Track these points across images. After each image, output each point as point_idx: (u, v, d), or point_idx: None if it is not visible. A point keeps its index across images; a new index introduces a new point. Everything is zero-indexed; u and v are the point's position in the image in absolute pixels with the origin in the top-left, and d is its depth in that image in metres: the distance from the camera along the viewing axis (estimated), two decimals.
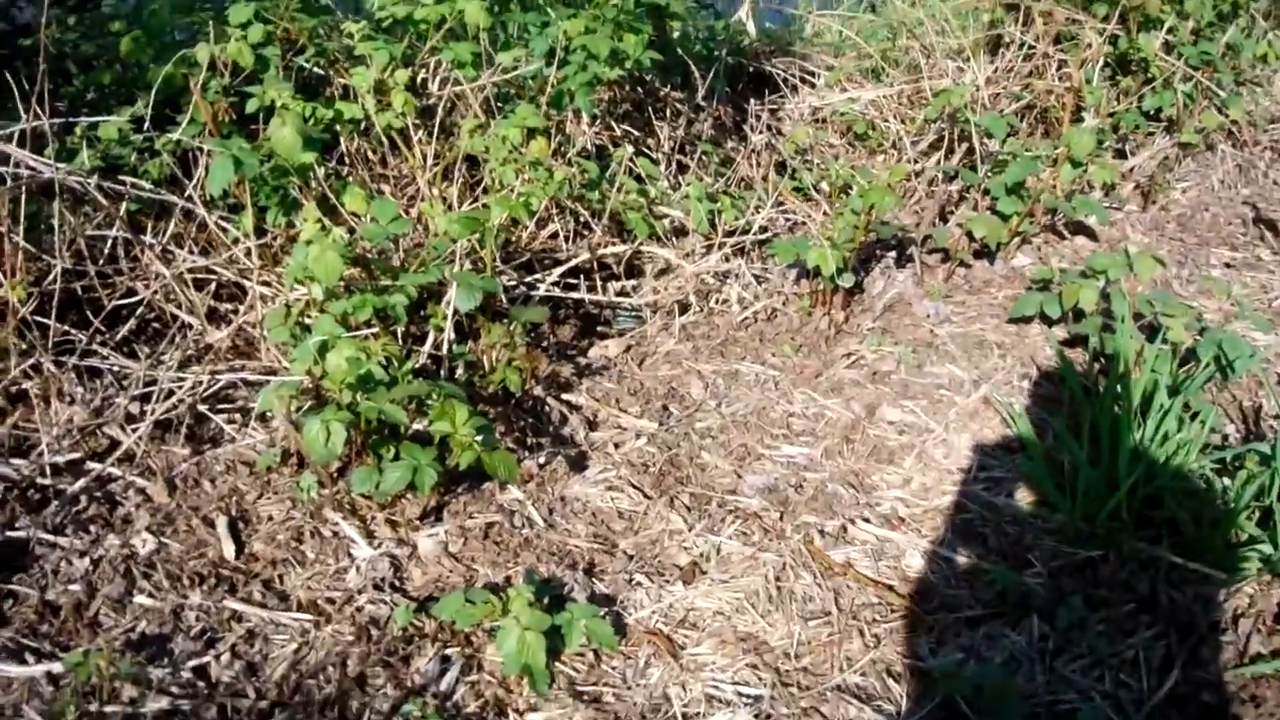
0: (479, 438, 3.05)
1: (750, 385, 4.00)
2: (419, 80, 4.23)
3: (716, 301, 4.39)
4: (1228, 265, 5.05)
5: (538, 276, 4.12)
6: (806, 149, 5.26)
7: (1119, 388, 3.46)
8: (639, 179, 4.41)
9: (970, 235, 4.62)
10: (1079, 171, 4.66)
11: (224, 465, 3.47)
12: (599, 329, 4.31)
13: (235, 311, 3.91)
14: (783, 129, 5.47)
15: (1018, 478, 3.54)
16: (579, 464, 3.56)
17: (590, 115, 4.28)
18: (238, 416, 3.65)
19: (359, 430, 3.16)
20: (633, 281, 4.40)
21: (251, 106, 3.78)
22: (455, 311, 3.58)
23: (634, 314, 4.33)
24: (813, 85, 5.79)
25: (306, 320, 3.44)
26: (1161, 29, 5.52)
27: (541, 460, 3.54)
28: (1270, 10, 6.59)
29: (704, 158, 4.77)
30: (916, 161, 5.31)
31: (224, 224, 3.92)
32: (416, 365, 3.61)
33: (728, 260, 4.42)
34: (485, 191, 4.02)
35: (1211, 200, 5.66)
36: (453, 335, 3.68)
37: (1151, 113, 5.61)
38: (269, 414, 3.58)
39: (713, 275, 4.36)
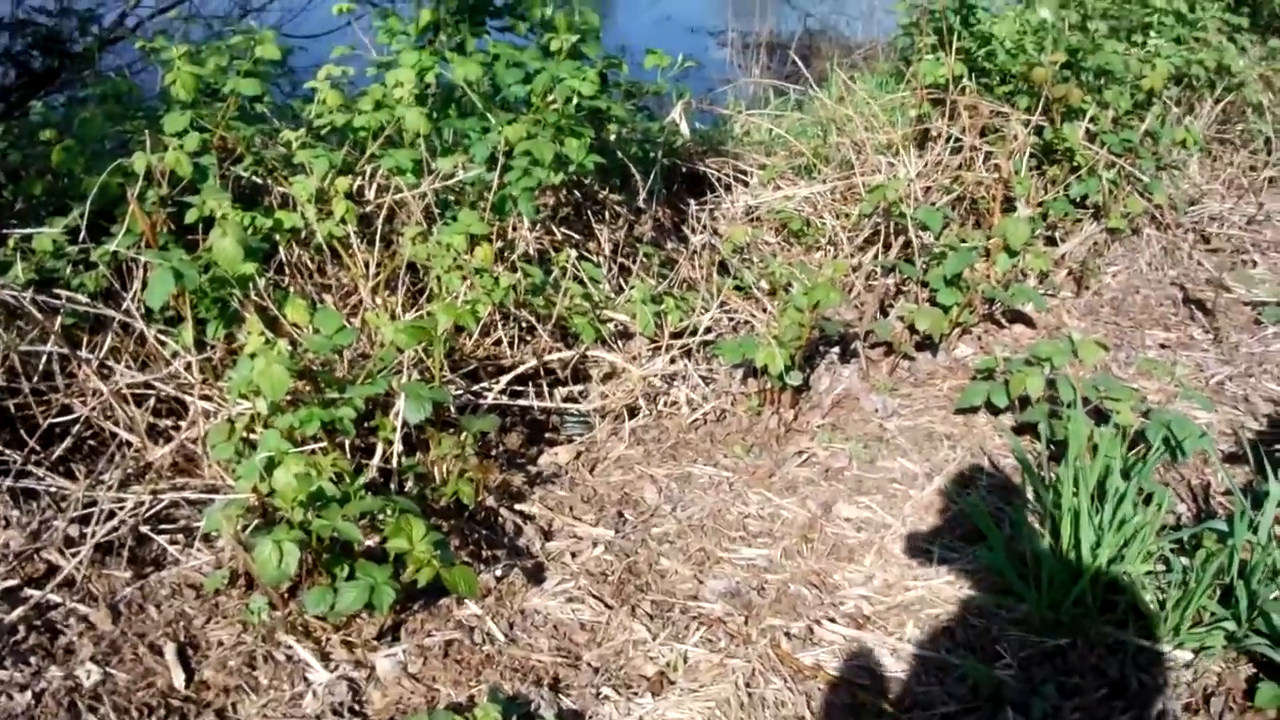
0: (437, 554, 2.98)
1: (704, 488, 3.95)
2: (358, 188, 4.20)
3: (665, 404, 4.36)
4: (1163, 346, 5.10)
5: (484, 385, 4.07)
6: (745, 248, 5.27)
7: (1075, 475, 3.45)
8: (582, 283, 4.38)
9: (912, 328, 4.63)
10: (1014, 260, 4.70)
11: (169, 589, 3.36)
12: (547, 435, 4.26)
13: (176, 428, 3.81)
14: (720, 229, 5.48)
15: (980, 569, 3.52)
16: (537, 575, 3.49)
17: (532, 220, 4.25)
18: (181, 537, 3.54)
19: (311, 549, 3.08)
20: (580, 387, 4.36)
21: (191, 217, 3.71)
22: (404, 423, 3.52)
23: (582, 420, 4.29)
24: (746, 184, 5.82)
25: (251, 436, 3.36)
26: (1084, 118, 5.62)
27: (498, 573, 3.47)
28: (1180, 97, 6.76)
29: (645, 259, 4.76)
30: (853, 256, 5.33)
31: (163, 338, 3.84)
32: (367, 480, 3.55)
33: (675, 362, 4.39)
34: (429, 299, 3.97)
35: (1141, 283, 5.73)
36: (401, 447, 3.62)
37: (1078, 200, 5.69)
38: (214, 534, 3.48)
39: (660, 378, 4.34)
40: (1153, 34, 6.41)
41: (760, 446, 4.18)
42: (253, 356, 3.20)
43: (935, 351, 4.82)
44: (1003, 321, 5.15)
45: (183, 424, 3.75)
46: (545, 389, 4.26)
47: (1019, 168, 5.46)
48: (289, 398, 3.32)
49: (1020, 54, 5.87)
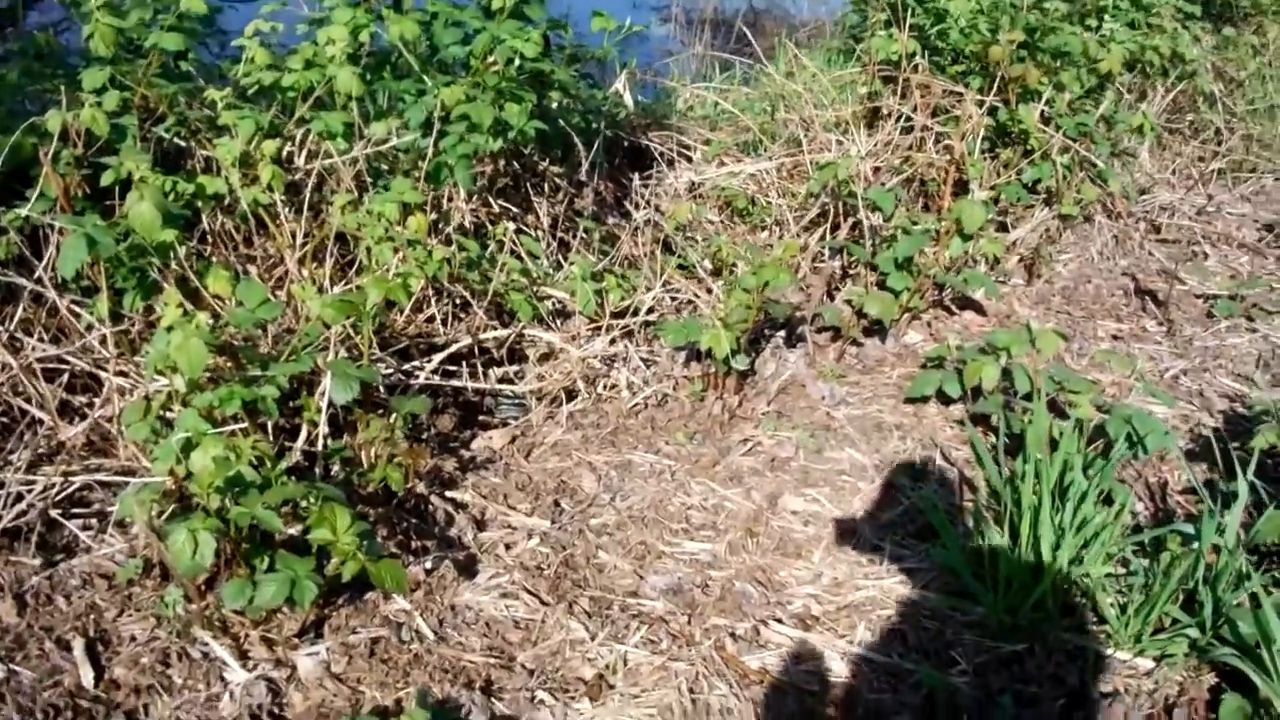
0: (363, 545, 2.79)
1: (645, 476, 3.78)
2: (286, 153, 3.97)
3: (605, 388, 4.17)
4: (1115, 338, 4.98)
5: (416, 364, 3.86)
6: (688, 225, 5.08)
7: (1036, 471, 3.31)
8: (520, 258, 4.18)
9: (860, 313, 4.48)
10: (967, 245, 4.54)
11: (80, 579, 3.13)
12: (481, 418, 4.06)
13: (91, 405, 3.58)
14: (663, 205, 5.29)
15: (933, 568, 3.37)
16: (469, 568, 3.29)
17: (469, 191, 4.04)
18: (94, 522, 3.32)
19: (229, 539, 2.87)
20: (515, 367, 4.16)
21: (106, 179, 3.47)
22: (330, 404, 3.31)
23: (518, 402, 4.09)
24: (690, 159, 5.63)
25: (168, 415, 3.15)
26: (1040, 101, 5.48)
27: (428, 565, 3.27)
28: (1132, 84, 6.64)
29: (586, 235, 4.56)
30: (799, 236, 5.17)
31: (77, 309, 3.60)
32: (290, 464, 3.34)
33: (615, 344, 4.20)
34: (359, 272, 3.76)
35: (1093, 272, 5.62)
36: (327, 429, 3.41)
37: (1030, 185, 5.54)
38: (128, 520, 3.26)
39: (600, 360, 4.14)
40: (1107, 17, 6.28)
41: (704, 434, 4.01)
42: (169, 330, 2.98)
43: (884, 337, 4.66)
44: (953, 308, 5.01)
45: (97, 401, 3.52)
46: (480, 369, 4.06)
47: (972, 149, 5.31)
48: (208, 375, 3.11)
49: (974, 33, 5.71)
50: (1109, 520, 3.24)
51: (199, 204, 3.82)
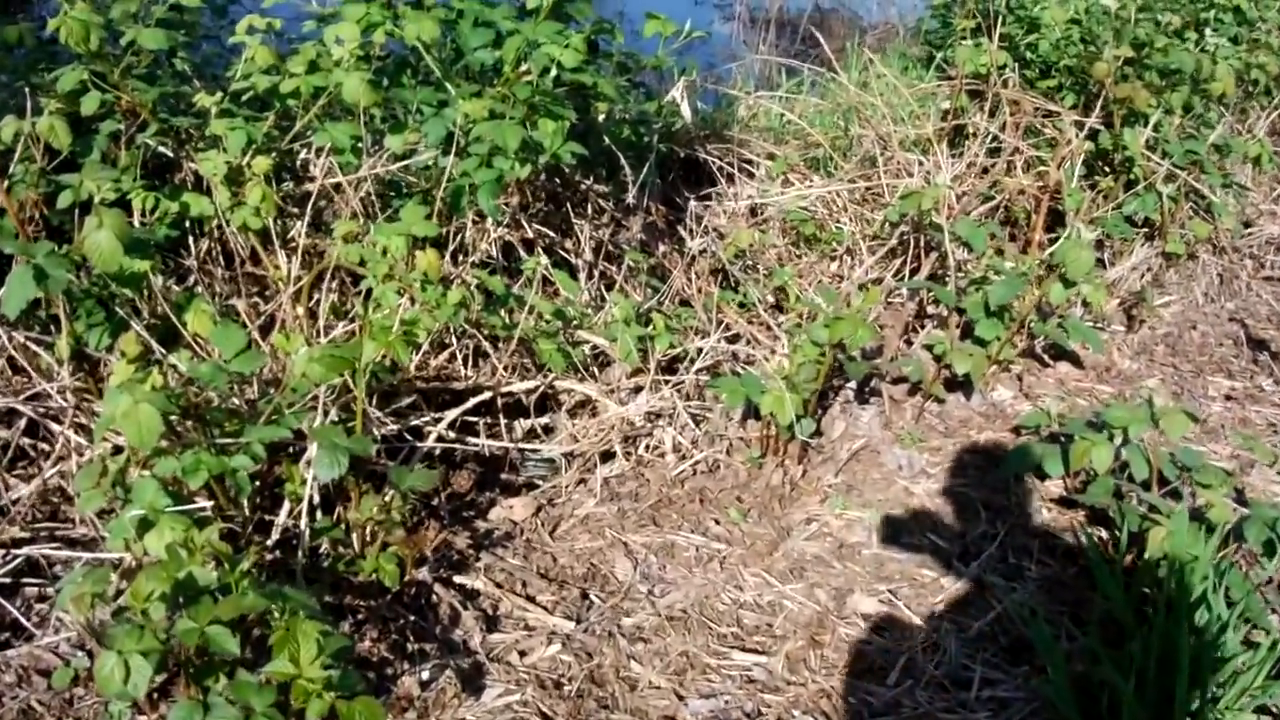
0: (333, 673, 2.24)
1: (690, 564, 3.20)
2: (287, 168, 3.43)
3: (647, 449, 3.59)
4: (1228, 398, 4.36)
5: (427, 419, 3.30)
6: (747, 253, 4.49)
7: (1166, 590, 2.72)
8: (553, 296, 3.61)
9: (942, 361, 3.88)
10: (1071, 291, 3.93)
11: (15, 674, 2.64)
12: (503, 478, 3.50)
13: (47, 458, 3.07)
14: (721, 229, 4.72)
15: (1033, 699, 2.78)
16: (474, 681, 2.73)
17: (495, 220, 3.47)
18: (44, 603, 2.83)
19: (174, 657, 2.33)
20: (546, 419, 3.60)
21: (63, 201, 2.94)
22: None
23: (546, 461, 3.53)
24: (751, 175, 5.04)
25: (130, 479, 2.64)
26: (1147, 125, 4.86)
27: (425, 676, 2.72)
28: (1234, 104, 5.99)
29: (633, 268, 3.98)
30: (872, 270, 4.57)
31: (37, 347, 3.10)
32: (268, 544, 2.81)
33: (661, 397, 3.62)
34: (369, 305, 3.21)
35: (1197, 317, 5.00)
36: (317, 497, 2.87)
37: (1131, 218, 4.92)
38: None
39: (643, 417, 3.56)
40: (1209, 31, 5.65)
41: (760, 509, 3.43)
42: (119, 390, 2.46)
43: (969, 393, 4.07)
44: (1046, 359, 4.41)
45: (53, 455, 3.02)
46: (503, 421, 3.50)
47: (1070, 176, 4.69)
48: (175, 435, 2.60)
49: (1070, 45, 5.11)
50: (1261, 658, 2.64)
51: (188, 224, 3.30)
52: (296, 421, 2.83)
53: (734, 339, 4.03)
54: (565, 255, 3.96)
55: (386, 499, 2.85)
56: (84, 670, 2.62)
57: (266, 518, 2.92)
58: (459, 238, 3.51)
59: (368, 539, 2.85)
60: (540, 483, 3.49)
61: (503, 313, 3.33)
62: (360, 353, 2.75)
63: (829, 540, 3.32)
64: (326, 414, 2.94)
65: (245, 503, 2.77)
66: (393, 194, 3.50)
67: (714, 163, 4.93)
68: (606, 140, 4.07)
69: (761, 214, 4.83)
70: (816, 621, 3.01)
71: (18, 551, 2.87)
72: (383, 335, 2.75)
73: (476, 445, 3.40)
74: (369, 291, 3.10)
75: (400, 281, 3.01)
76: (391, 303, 2.99)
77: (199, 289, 3.27)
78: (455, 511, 3.34)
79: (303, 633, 2.25)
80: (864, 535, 3.33)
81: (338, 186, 3.39)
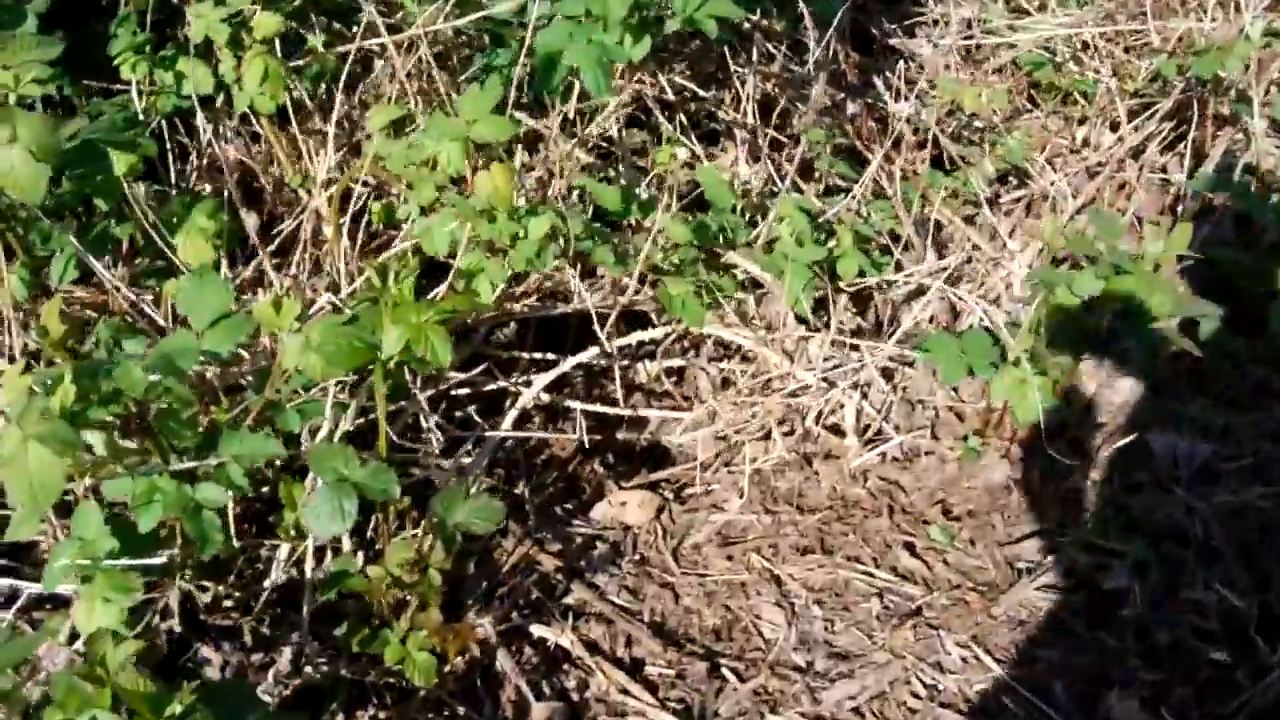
0: None
1: (870, 622, 2.21)
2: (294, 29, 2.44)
3: (820, 423, 2.56)
4: None
5: (505, 382, 2.34)
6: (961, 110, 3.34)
7: None
8: (692, 215, 2.54)
9: None
10: None
11: None
12: (616, 443, 2.53)
13: None
14: (925, 68, 3.57)
15: None
16: None
17: (602, 97, 2.36)
18: None
19: None
20: (674, 366, 2.61)
21: None
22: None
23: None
24: None
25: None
26: None
27: None
28: None
29: (811, 150, 2.87)
30: (1127, 139, 3.37)
31: None
32: (265, 591, 1.94)
33: (843, 349, 2.57)
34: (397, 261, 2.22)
35: None
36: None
37: None
38: None
39: (816, 381, 2.53)
40: None
41: (976, 526, 2.41)
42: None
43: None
44: None
45: None
46: (617, 374, 2.52)
47: None
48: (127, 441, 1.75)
49: None
50: None
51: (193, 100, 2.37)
52: (297, 421, 1.91)
53: (942, 247, 2.93)
54: (715, 122, 2.90)
55: (424, 545, 1.92)
56: None
57: (261, 544, 2.03)
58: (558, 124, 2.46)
59: (390, 603, 1.93)
60: (666, 457, 2.52)
61: (611, 250, 2.28)
62: (384, 334, 1.78)
63: (1072, 582, 2.28)
64: (340, 419, 1.99)
65: (215, 551, 1.85)
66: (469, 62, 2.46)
67: None
68: None
69: (976, 54, 3.66)
70: None
71: None
72: (414, 312, 1.77)
73: (575, 406, 2.44)
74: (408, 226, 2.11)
75: (454, 210, 2.01)
76: (440, 248, 1.99)
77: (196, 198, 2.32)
78: (547, 505, 2.41)
79: None
80: (1124, 579, 2.28)
81: (383, 50, 2.36)
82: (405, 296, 1.77)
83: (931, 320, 2.66)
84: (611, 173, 2.59)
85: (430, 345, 1.73)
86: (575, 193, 2.42)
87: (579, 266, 2.43)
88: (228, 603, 2.09)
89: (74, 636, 1.74)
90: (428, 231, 2.01)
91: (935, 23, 3.73)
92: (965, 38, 3.64)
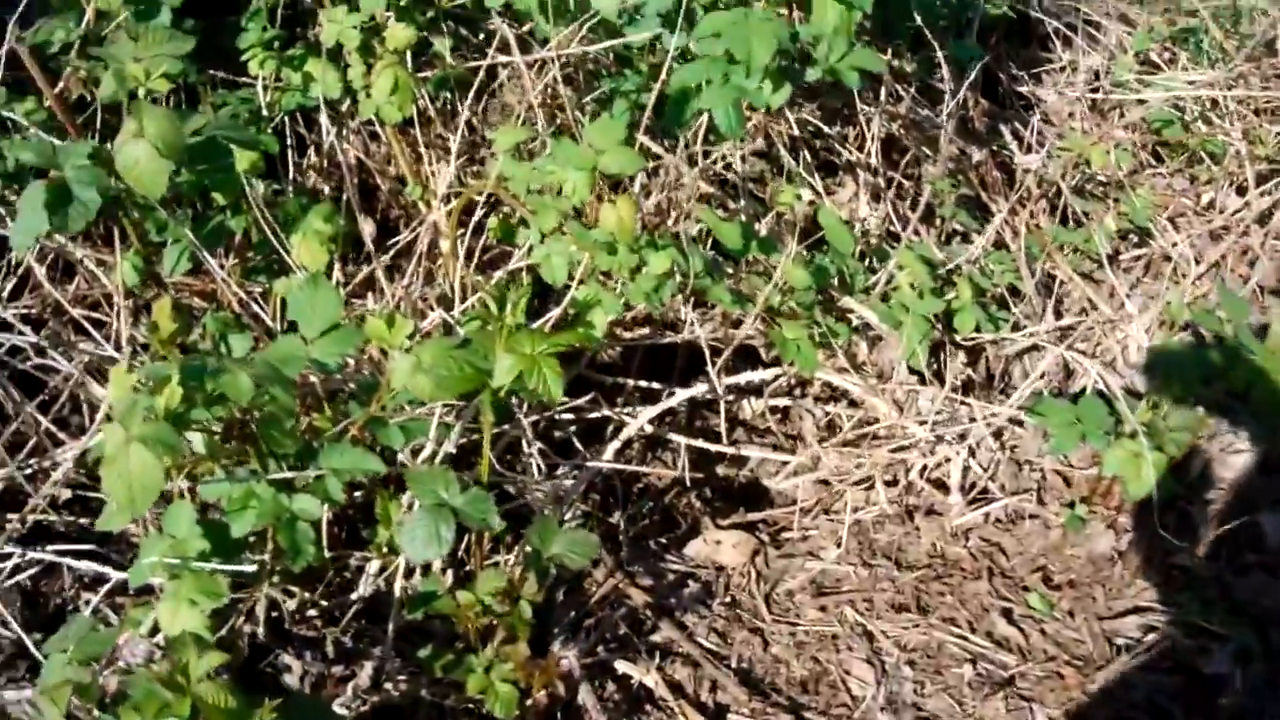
0: None
1: (962, 689, 2.15)
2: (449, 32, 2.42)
3: (923, 476, 2.50)
4: None
5: (613, 412, 2.31)
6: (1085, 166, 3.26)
7: None
8: (811, 258, 2.49)
9: None
10: None
11: None
12: (715, 478, 2.50)
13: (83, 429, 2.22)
14: (1052, 116, 3.50)
15: None
16: None
17: (734, 136, 2.31)
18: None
19: None
20: (782, 402, 2.56)
21: (104, 92, 1.97)
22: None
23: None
24: (1094, 39, 3.75)
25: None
26: None
27: None
28: None
29: (937, 199, 2.81)
30: (1255, 203, 3.28)
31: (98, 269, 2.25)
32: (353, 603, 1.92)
33: (952, 404, 2.51)
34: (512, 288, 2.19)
35: None
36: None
37: None
38: None
39: (928, 432, 2.46)
40: None
41: (1076, 597, 2.34)
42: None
43: None
44: None
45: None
46: (722, 414, 2.48)
47: None
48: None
49: None
50: None
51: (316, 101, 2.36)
52: (400, 439, 1.90)
53: (1059, 304, 2.86)
54: (835, 155, 2.85)
55: (513, 571, 1.89)
56: None
57: (347, 555, 2.01)
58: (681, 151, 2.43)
59: (480, 631, 1.90)
60: (765, 497, 2.48)
61: (726, 288, 2.24)
62: (493, 363, 1.75)
63: (1170, 664, 2.21)
64: (443, 440, 1.97)
65: (307, 562, 1.83)
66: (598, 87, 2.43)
67: (1050, 23, 3.67)
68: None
69: (1102, 101, 3.58)
70: None
71: (35, 554, 2.02)
72: (531, 336, 1.74)
73: (678, 440, 2.41)
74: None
75: (572, 239, 1.98)
76: (559, 277, 1.97)
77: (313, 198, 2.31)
78: (641, 536, 2.37)
79: None
80: (1225, 665, 2.21)
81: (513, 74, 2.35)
82: (518, 321, 1.75)
83: (1043, 376, 2.60)
84: (730, 203, 2.54)
85: (543, 378, 1.70)
86: (694, 224, 2.38)
87: (691, 297, 2.39)
88: (312, 611, 2.08)
89: (156, 629, 1.73)
90: (547, 259, 1.99)
91: (1063, 69, 3.66)
92: (1092, 89, 3.58)
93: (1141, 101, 3.47)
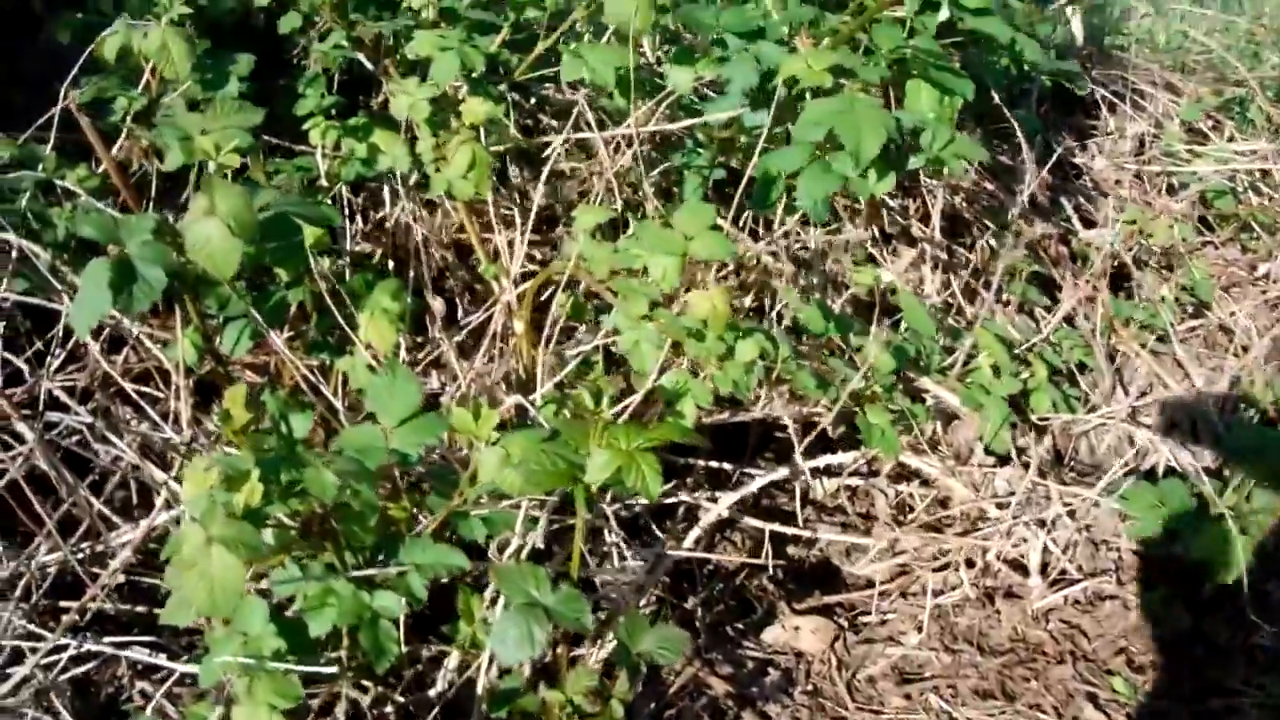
0: None
1: None
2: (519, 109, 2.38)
3: (1003, 560, 2.44)
4: None
5: (691, 498, 2.26)
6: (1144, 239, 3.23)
7: None
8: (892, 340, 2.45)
9: None
10: None
11: None
12: (793, 553, 2.44)
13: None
14: (1099, 179, 3.47)
15: None
16: None
17: (822, 222, 2.27)
18: None
19: None
20: (856, 479, 2.51)
21: (171, 163, 1.92)
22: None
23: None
24: (1140, 108, 3.73)
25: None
26: None
27: None
28: None
29: (1011, 275, 2.77)
30: None
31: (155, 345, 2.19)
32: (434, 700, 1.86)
33: (1031, 486, 2.46)
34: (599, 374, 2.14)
35: None
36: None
37: None
38: None
39: (1008, 514, 2.41)
40: None
41: (1161, 679, 2.28)
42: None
43: None
44: None
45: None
46: (798, 496, 2.42)
47: None
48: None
49: None
50: None
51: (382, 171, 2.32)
52: (483, 532, 1.84)
53: (1121, 378, 2.82)
54: (901, 222, 2.82)
55: (604, 673, 1.83)
56: None
57: (426, 648, 1.95)
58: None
59: None
60: (838, 579, 2.42)
61: (811, 374, 2.18)
62: (586, 460, 1.69)
63: None
64: (529, 534, 1.91)
65: (390, 661, 1.76)
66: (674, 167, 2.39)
67: (1102, 94, 3.65)
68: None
69: (1147, 157, 3.55)
70: None
71: (94, 647, 1.95)
72: (626, 437, 1.68)
73: (756, 524, 2.35)
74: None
75: (659, 326, 1.93)
76: (646, 366, 1.92)
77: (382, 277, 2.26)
78: (717, 622, 2.31)
79: None
80: None
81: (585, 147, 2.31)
82: (607, 422, 1.69)
83: (1122, 461, 2.55)
84: (802, 280, 2.50)
85: (641, 475, 1.64)
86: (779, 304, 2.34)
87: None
88: (389, 708, 2.01)
89: None
90: (637, 347, 1.93)
91: (1109, 133, 3.63)
92: (1138, 155, 3.56)
93: (1193, 173, 3.43)
